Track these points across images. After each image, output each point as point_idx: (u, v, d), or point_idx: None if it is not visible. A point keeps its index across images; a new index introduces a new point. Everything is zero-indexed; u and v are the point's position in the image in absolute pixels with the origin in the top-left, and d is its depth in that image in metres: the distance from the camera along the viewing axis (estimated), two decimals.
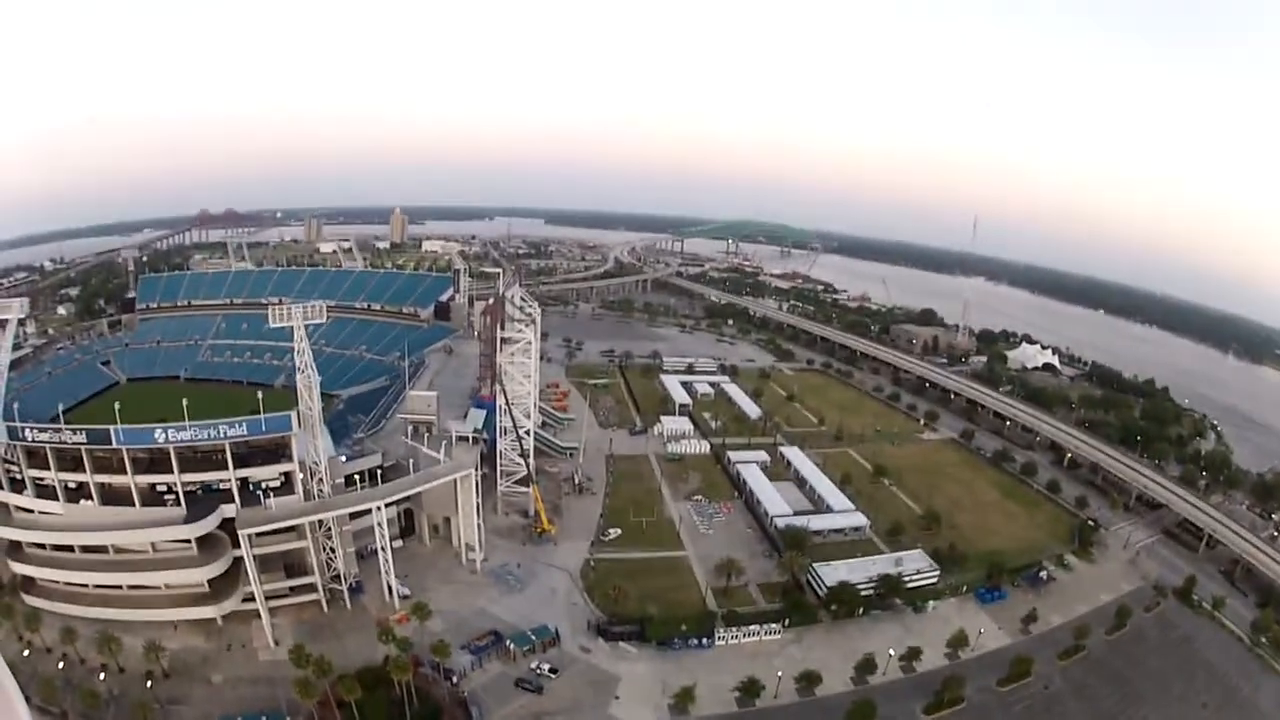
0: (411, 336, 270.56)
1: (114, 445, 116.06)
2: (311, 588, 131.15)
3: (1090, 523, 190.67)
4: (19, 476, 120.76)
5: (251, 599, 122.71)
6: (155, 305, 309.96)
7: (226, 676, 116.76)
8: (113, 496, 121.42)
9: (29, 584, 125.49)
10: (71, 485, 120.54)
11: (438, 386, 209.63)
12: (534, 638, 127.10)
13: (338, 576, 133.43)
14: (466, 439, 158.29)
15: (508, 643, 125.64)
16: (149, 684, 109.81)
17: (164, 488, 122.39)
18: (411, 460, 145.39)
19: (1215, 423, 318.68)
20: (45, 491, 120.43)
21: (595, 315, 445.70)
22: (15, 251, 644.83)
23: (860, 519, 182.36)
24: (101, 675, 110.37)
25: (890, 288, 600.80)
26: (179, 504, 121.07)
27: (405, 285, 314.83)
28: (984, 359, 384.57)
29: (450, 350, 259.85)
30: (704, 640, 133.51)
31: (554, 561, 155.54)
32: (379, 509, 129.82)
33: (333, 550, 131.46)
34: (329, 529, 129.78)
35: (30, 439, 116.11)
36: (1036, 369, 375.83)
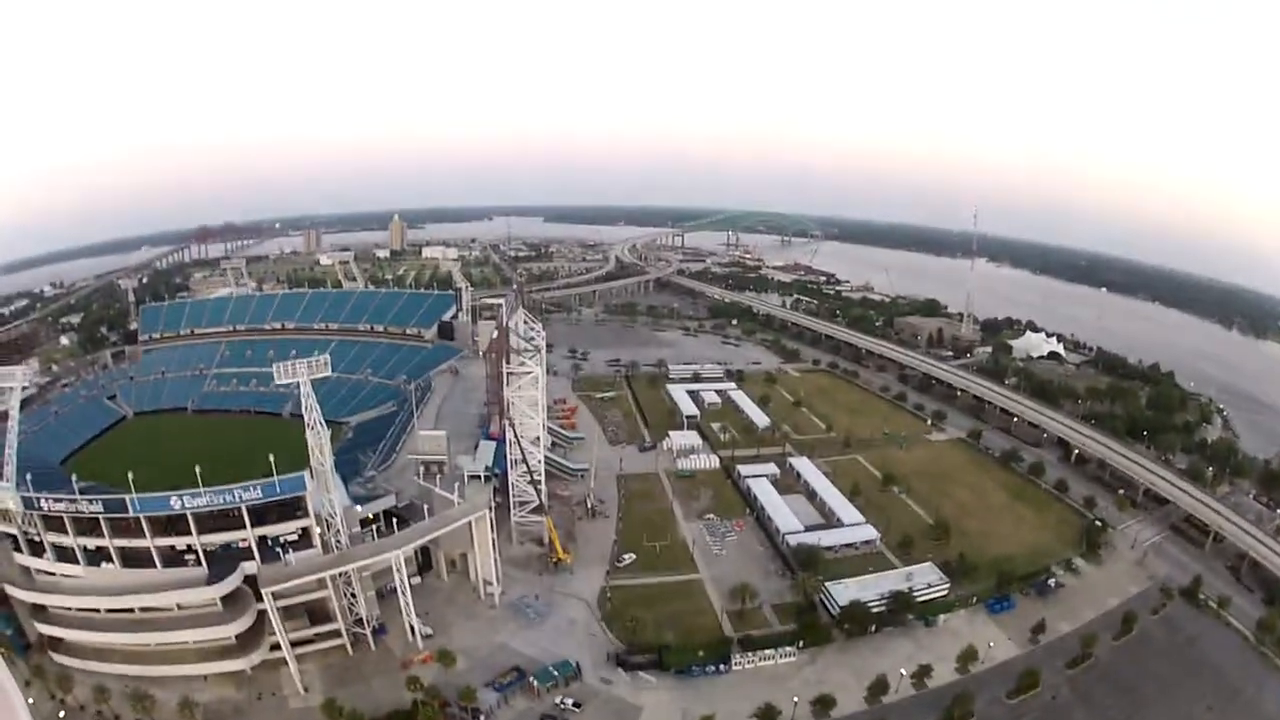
0: (416, 359, 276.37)
1: (130, 514, 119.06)
2: (336, 633, 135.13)
3: (1098, 523, 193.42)
4: (37, 539, 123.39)
5: (278, 646, 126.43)
6: (158, 336, 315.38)
7: None
8: (134, 558, 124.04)
9: (56, 642, 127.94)
10: (91, 548, 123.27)
11: (445, 412, 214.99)
12: (556, 673, 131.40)
13: (360, 620, 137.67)
14: (479, 477, 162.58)
15: (531, 679, 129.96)
16: None
17: (184, 546, 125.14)
18: (426, 505, 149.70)
19: (1221, 407, 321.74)
20: (65, 554, 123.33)
21: (599, 320, 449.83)
22: (14, 276, 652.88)
23: (870, 532, 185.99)
24: None
25: (892, 275, 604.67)
26: (200, 563, 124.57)
27: (407, 305, 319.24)
28: (989, 349, 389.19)
29: (456, 372, 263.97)
30: (721, 666, 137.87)
31: (571, 591, 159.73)
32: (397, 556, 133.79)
33: (354, 596, 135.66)
34: (349, 577, 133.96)
35: (47, 508, 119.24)
36: (1041, 358, 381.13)
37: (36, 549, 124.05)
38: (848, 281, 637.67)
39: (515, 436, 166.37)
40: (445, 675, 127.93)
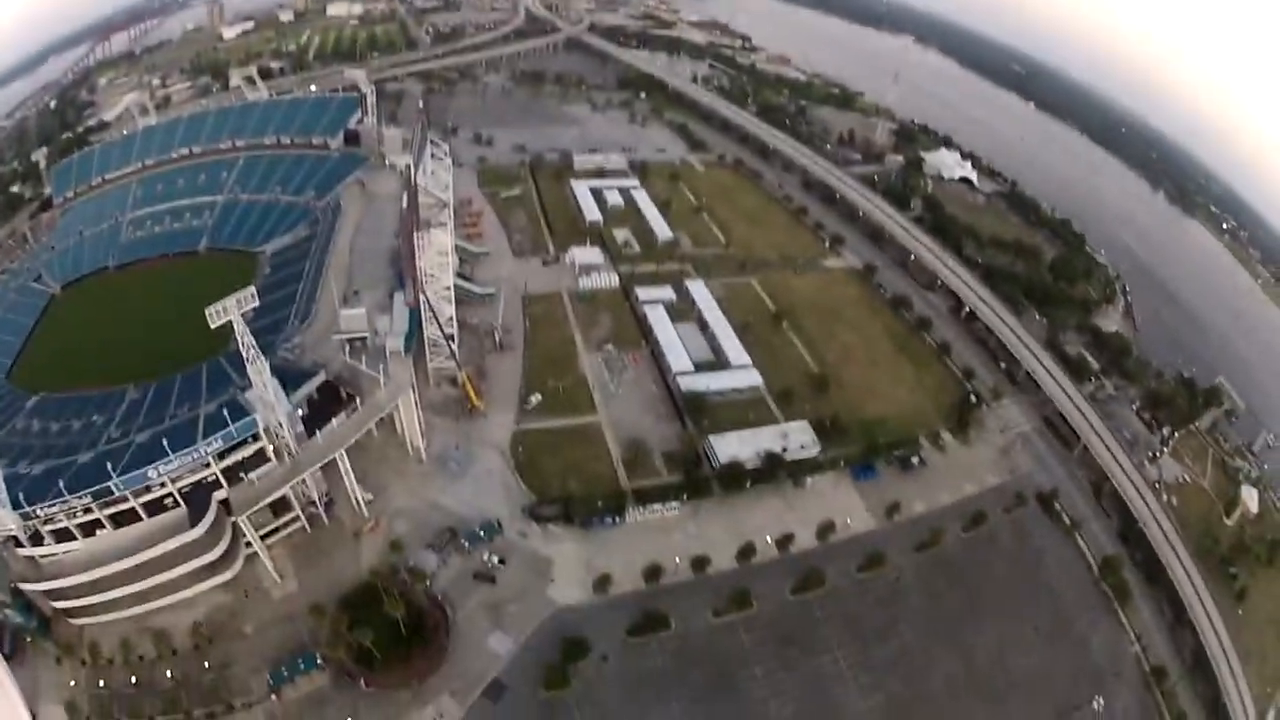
0: (322, 171, 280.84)
1: (114, 495, 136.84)
2: (295, 518, 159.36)
3: (973, 398, 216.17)
4: (37, 529, 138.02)
5: (250, 544, 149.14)
6: (72, 195, 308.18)
7: (255, 624, 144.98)
8: (122, 518, 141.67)
9: (70, 610, 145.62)
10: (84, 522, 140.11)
11: (357, 250, 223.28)
12: (483, 534, 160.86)
13: (313, 501, 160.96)
14: (399, 352, 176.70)
15: (463, 541, 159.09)
16: (205, 662, 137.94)
17: (162, 493, 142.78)
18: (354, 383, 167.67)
19: (1128, 290, 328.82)
20: (62, 535, 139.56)
21: (505, 91, 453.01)
22: None
23: (755, 378, 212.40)
24: (169, 673, 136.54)
25: (809, 51, 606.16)
26: (178, 503, 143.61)
27: (312, 112, 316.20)
28: (900, 159, 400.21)
29: (363, 185, 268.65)
30: (616, 519, 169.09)
31: (486, 438, 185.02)
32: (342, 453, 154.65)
33: (305, 483, 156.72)
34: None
35: (41, 515, 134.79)
36: (953, 180, 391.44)
37: (36, 539, 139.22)
38: (763, 50, 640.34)
39: (430, 305, 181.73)
40: (393, 548, 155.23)
